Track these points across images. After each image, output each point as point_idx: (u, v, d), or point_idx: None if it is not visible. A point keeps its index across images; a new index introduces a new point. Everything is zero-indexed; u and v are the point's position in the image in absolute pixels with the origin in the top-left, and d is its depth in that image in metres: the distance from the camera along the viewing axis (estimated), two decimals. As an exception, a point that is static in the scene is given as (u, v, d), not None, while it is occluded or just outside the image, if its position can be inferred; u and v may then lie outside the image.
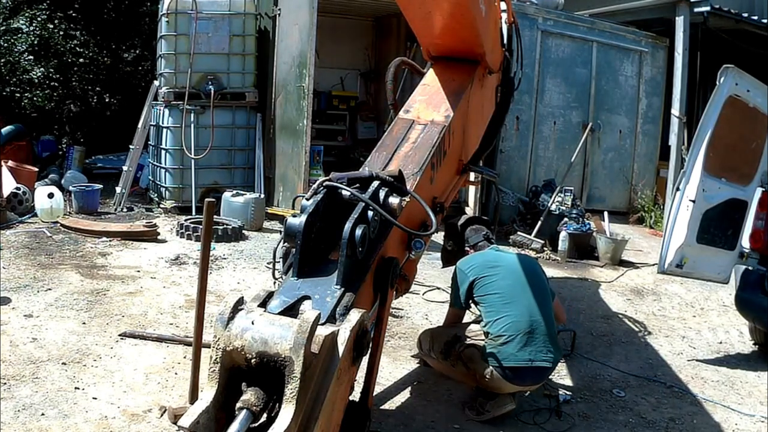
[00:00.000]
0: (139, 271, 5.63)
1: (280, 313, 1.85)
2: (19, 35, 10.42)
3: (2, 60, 10.41)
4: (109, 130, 11.38)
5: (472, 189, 8.28)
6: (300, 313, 1.81)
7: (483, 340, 3.67)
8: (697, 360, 4.91)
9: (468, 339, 3.79)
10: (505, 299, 3.66)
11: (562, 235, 7.35)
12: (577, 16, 9.53)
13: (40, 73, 10.63)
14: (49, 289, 4.98)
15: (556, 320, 3.96)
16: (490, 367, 3.56)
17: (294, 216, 2.13)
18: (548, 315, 3.69)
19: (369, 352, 2.02)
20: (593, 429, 3.73)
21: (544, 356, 3.58)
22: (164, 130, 8.25)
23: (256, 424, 1.68)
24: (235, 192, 7.58)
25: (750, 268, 4.95)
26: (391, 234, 2.40)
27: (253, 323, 1.75)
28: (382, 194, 2.33)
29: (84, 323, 4.42)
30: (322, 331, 1.75)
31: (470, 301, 3.80)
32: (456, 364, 3.77)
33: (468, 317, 4.24)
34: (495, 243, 4.17)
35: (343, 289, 2.03)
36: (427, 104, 3.31)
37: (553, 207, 7.90)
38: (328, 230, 2.21)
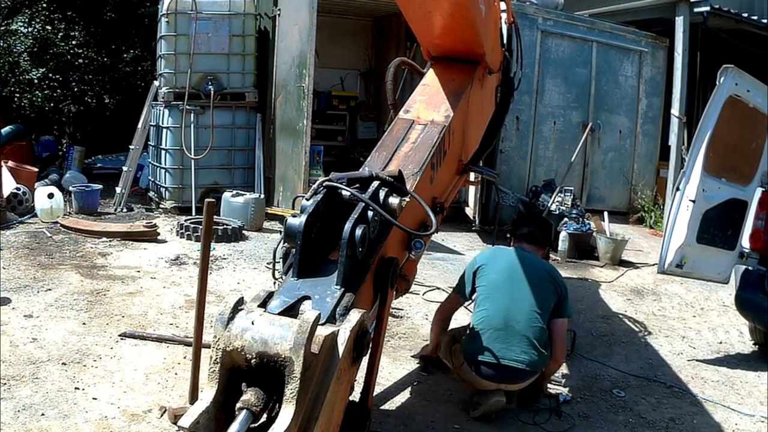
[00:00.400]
0: (139, 272, 5.63)
1: (280, 314, 1.85)
2: (18, 35, 10.42)
3: (1, 61, 10.40)
4: (108, 131, 11.39)
5: (472, 189, 8.28)
6: (300, 314, 1.81)
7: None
8: (697, 360, 4.91)
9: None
10: (487, 293, 3.69)
11: (562, 235, 7.35)
12: (577, 16, 9.52)
13: (39, 74, 10.63)
14: (49, 290, 4.97)
15: (552, 356, 3.76)
16: (462, 359, 3.59)
17: (294, 216, 2.13)
18: (534, 319, 3.62)
19: (369, 352, 2.02)
20: (593, 429, 3.74)
21: (516, 356, 3.53)
22: (164, 130, 8.25)
23: (256, 425, 1.68)
24: (235, 192, 7.58)
25: (750, 268, 4.95)
26: (391, 234, 2.40)
27: (253, 323, 1.75)
28: (382, 194, 2.33)
29: (84, 323, 4.42)
30: (322, 331, 1.75)
31: (471, 292, 3.87)
32: (451, 361, 3.83)
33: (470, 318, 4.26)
34: (533, 248, 3.99)
35: (343, 289, 2.03)
36: (427, 104, 3.31)
37: (553, 207, 7.89)
38: (328, 230, 2.21)
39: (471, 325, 3.68)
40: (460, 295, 3.97)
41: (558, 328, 3.77)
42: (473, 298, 3.88)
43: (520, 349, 3.55)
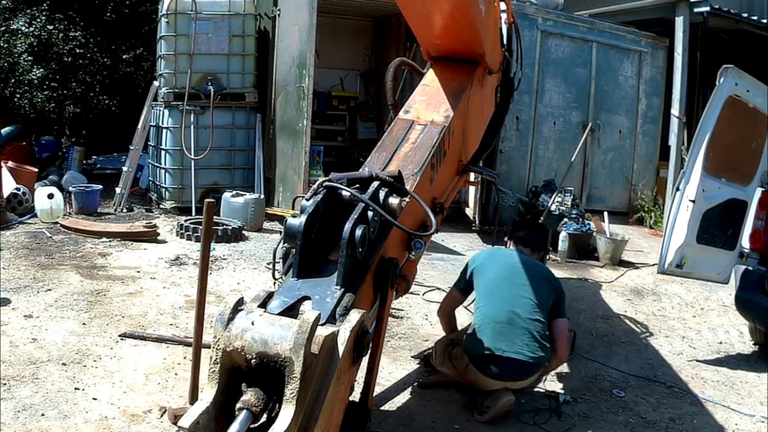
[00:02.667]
0: (139, 272, 5.62)
1: (280, 314, 1.85)
2: (19, 36, 10.42)
3: (1, 61, 10.40)
4: (109, 131, 11.39)
5: (472, 189, 8.28)
6: (300, 314, 1.81)
7: None
8: (697, 360, 4.91)
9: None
10: (488, 290, 3.72)
11: (562, 235, 7.35)
12: (577, 17, 9.52)
13: (39, 74, 10.62)
14: (49, 290, 4.97)
15: (553, 353, 3.78)
16: (467, 360, 3.60)
17: (294, 216, 2.13)
18: (535, 312, 3.66)
19: (369, 352, 2.02)
20: (593, 429, 3.73)
21: (519, 349, 3.56)
22: (164, 130, 8.25)
23: (256, 425, 1.68)
24: (235, 192, 7.58)
25: (750, 268, 4.95)
26: (391, 234, 2.40)
27: (253, 324, 1.75)
28: (381, 195, 2.33)
29: (84, 324, 4.42)
30: (322, 331, 1.75)
31: (469, 288, 3.92)
32: (449, 366, 3.82)
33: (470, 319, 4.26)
34: (528, 251, 4.05)
35: (343, 289, 2.03)
36: (427, 104, 3.31)
37: (553, 207, 7.89)
38: (328, 230, 2.21)
39: (473, 324, 3.69)
40: (456, 288, 4.03)
41: (560, 327, 3.82)
42: (473, 297, 3.90)
43: (523, 342, 3.58)
